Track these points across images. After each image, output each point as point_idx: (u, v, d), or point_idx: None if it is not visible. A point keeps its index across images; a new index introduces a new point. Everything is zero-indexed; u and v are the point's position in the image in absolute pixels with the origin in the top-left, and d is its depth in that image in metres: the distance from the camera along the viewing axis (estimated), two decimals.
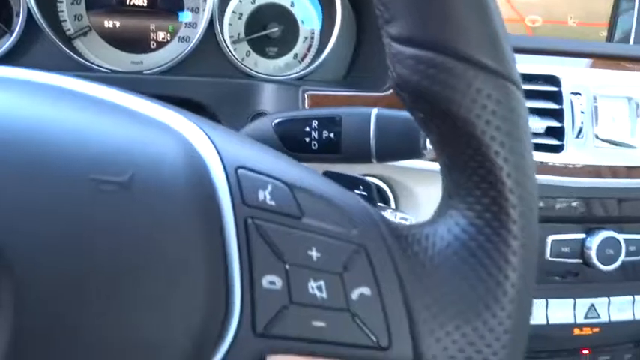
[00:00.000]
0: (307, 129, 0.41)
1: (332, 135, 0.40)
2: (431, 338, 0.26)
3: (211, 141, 0.26)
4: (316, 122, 0.41)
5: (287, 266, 0.25)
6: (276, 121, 0.42)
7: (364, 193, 0.36)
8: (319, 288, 0.25)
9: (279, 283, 0.24)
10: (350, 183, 0.34)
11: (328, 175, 0.30)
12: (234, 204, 0.25)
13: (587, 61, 0.64)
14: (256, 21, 0.69)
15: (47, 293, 0.21)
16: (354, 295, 0.25)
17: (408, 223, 0.29)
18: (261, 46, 0.70)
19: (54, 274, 0.21)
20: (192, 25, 0.68)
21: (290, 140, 0.41)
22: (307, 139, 0.41)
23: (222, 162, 0.25)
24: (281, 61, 0.71)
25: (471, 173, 0.26)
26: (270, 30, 0.69)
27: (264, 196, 0.25)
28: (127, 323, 0.22)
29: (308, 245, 0.25)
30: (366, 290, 0.25)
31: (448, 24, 0.25)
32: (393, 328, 0.25)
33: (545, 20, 0.74)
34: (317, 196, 0.26)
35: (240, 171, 0.25)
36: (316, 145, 0.41)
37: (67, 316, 0.21)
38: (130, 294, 0.22)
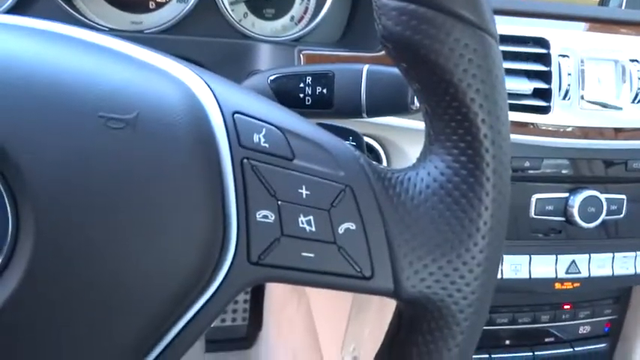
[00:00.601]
0: (301, 85, 0.43)
1: (325, 90, 0.42)
2: (410, 270, 0.28)
3: (210, 88, 0.28)
4: (310, 78, 0.43)
5: (279, 202, 0.27)
6: (272, 77, 0.44)
7: (354, 143, 0.38)
8: (308, 222, 0.27)
9: (272, 217, 0.27)
10: (341, 133, 0.36)
11: (321, 125, 0.32)
12: (231, 146, 0.27)
13: (577, 24, 0.65)
14: None
15: (61, 213, 0.23)
16: (340, 229, 0.28)
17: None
18: (258, 7, 0.71)
19: (66, 197, 0.23)
20: None
21: (285, 95, 0.43)
22: (301, 95, 0.43)
23: (220, 107, 0.27)
24: (278, 23, 0.72)
25: (449, 119, 0.28)
26: None
27: (259, 138, 0.27)
28: (130, 252, 0.25)
29: (298, 184, 0.27)
30: (351, 225, 0.28)
31: None
32: (375, 260, 0.28)
33: None
34: (308, 140, 0.28)
35: (236, 115, 0.27)
36: (310, 101, 0.43)
37: (78, 238, 0.24)
38: (133, 224, 0.25)
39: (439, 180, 0.28)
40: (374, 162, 0.30)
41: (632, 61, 0.64)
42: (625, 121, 0.64)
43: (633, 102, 0.64)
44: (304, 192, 0.27)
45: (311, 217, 0.27)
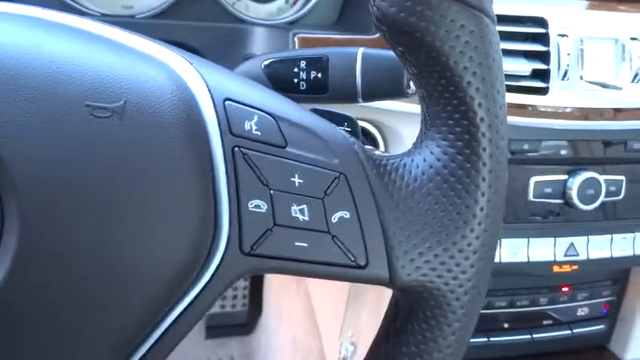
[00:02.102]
0: (296, 69, 0.42)
1: (319, 75, 0.41)
2: (405, 258, 0.28)
3: (200, 74, 0.27)
4: (304, 62, 0.42)
5: (272, 191, 0.26)
6: (266, 62, 0.43)
7: (348, 129, 0.37)
8: (302, 211, 0.27)
9: (264, 206, 0.26)
10: (336, 119, 0.36)
11: (315, 111, 0.31)
12: (222, 134, 0.26)
13: (576, 2, 0.64)
14: None
15: (46, 206, 0.23)
16: (334, 218, 0.27)
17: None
18: None
19: (52, 189, 0.23)
20: None
21: (279, 81, 0.42)
22: (296, 80, 0.42)
23: (211, 94, 0.27)
24: (272, 6, 0.71)
25: (445, 104, 0.27)
26: None
27: (250, 126, 0.27)
28: (120, 243, 0.24)
29: (291, 172, 0.27)
30: (345, 214, 0.27)
31: None
32: (370, 249, 0.28)
33: None
34: (300, 127, 0.28)
35: (227, 102, 0.27)
36: (304, 86, 0.42)
37: (64, 230, 0.23)
38: (122, 215, 0.24)
39: (435, 166, 0.28)
40: (369, 148, 0.30)
41: (633, 39, 0.63)
42: (624, 101, 0.64)
43: (633, 81, 0.63)
44: (297, 180, 0.27)
45: (304, 206, 0.27)
